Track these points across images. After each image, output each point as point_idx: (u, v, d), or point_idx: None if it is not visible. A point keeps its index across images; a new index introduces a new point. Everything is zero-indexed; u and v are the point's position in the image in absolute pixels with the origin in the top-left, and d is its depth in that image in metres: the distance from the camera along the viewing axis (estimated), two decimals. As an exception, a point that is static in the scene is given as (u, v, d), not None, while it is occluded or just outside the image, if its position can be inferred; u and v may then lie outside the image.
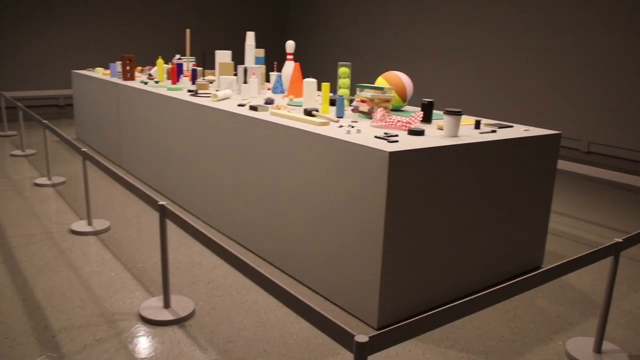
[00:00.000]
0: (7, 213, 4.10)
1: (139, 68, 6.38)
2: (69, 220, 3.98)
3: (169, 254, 3.41)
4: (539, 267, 3.37)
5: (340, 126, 3.01)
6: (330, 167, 2.71)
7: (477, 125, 3.15)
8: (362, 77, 10.04)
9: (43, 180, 4.89)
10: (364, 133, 2.82)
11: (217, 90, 4.32)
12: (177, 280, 3.08)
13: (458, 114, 2.81)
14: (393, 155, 2.40)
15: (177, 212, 2.50)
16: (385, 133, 2.80)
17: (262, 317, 2.70)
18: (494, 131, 3.08)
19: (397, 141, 2.62)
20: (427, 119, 3.25)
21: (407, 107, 3.95)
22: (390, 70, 9.39)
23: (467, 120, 3.35)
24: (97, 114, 5.97)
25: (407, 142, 2.61)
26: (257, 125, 3.25)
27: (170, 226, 3.88)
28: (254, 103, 3.83)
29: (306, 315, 1.64)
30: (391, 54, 9.40)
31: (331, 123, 3.13)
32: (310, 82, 3.62)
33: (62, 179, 4.96)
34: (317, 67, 11.05)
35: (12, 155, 5.92)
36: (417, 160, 2.51)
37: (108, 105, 5.60)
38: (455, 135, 2.84)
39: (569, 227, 4.20)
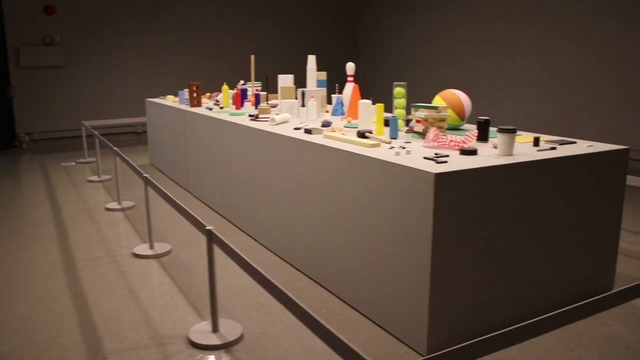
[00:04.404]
0: (78, 236, 4.28)
1: (208, 94, 6.57)
2: (133, 243, 4.10)
3: (223, 277, 3.44)
4: (608, 292, 3.13)
5: (392, 147, 2.95)
6: (379, 189, 2.64)
7: (536, 142, 2.99)
8: (425, 96, 9.89)
9: (114, 205, 5.09)
10: (414, 154, 2.74)
11: (276, 115, 4.36)
12: (229, 303, 3.08)
13: (512, 131, 2.68)
14: (439, 176, 2.31)
15: (224, 238, 2.50)
16: (436, 154, 2.72)
17: (310, 342, 2.65)
18: (553, 148, 2.91)
19: (445, 162, 2.52)
20: (483, 137, 3.13)
21: (467, 126, 3.82)
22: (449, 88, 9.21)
23: (526, 138, 3.20)
24: (167, 140, 6.18)
25: (456, 163, 2.51)
26: (309, 148, 3.24)
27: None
28: (310, 126, 3.83)
29: (342, 352, 1.59)
30: (452, 73, 9.22)
31: (383, 144, 3.07)
32: (366, 103, 3.58)
33: (131, 204, 5.14)
34: (383, 88, 11.00)
35: (89, 181, 6.21)
36: (466, 181, 2.40)
37: (176, 132, 5.79)
38: (509, 154, 2.71)
39: (648, 250, 3.90)
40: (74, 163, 7.37)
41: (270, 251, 3.87)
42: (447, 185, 2.35)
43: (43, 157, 7.90)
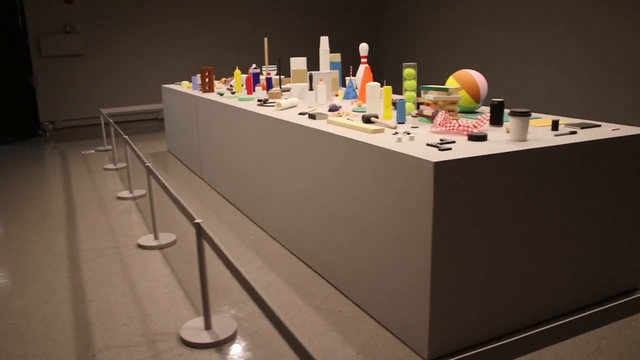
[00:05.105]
0: (86, 226, 4.21)
1: (223, 79, 6.43)
2: (140, 233, 4.01)
3: (224, 270, 3.31)
4: (636, 290, 2.91)
5: (395, 133, 2.76)
6: (379, 179, 2.46)
7: (555, 126, 2.76)
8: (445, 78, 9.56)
9: (125, 194, 5.01)
10: (418, 140, 2.55)
11: (284, 99, 4.20)
12: (227, 298, 2.96)
13: (525, 114, 2.46)
14: (439, 165, 2.12)
15: (211, 232, 2.36)
16: (441, 140, 2.52)
17: (306, 342, 2.50)
18: (573, 132, 2.68)
19: (449, 149, 2.33)
20: (496, 121, 2.91)
21: (483, 108, 3.60)
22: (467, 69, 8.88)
23: (544, 121, 2.97)
24: (181, 126, 6.08)
25: (461, 150, 2.32)
26: (310, 135, 3.07)
27: (231, 239, 3.79)
28: (316, 111, 3.66)
29: None
30: (471, 52, 8.88)
31: (387, 130, 2.88)
32: (374, 85, 3.38)
33: (142, 192, 5.06)
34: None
35: (105, 169, 6.16)
36: (471, 170, 2.21)
37: (189, 118, 5.68)
38: (522, 139, 2.50)
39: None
40: (93, 151, 7.35)
41: (278, 242, 3.73)
42: (449, 174, 2.15)
43: (65, 145, 7.91)
